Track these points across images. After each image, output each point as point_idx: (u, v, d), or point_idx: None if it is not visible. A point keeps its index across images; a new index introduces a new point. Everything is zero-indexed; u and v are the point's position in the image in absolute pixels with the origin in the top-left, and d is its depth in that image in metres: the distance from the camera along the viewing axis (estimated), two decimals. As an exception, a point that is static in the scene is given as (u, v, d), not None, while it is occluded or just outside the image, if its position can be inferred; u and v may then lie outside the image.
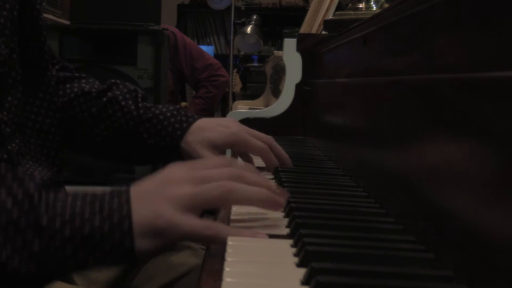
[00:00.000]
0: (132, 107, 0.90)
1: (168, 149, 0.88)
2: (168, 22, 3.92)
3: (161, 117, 0.89)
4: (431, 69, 0.58)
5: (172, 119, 0.89)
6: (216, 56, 4.31)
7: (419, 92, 0.61)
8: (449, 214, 0.48)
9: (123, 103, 0.90)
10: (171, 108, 0.91)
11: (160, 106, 0.92)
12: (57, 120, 0.84)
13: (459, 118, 0.48)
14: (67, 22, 3.00)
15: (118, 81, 0.94)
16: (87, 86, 0.93)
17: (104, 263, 0.52)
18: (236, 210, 0.65)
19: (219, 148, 0.88)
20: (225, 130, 0.88)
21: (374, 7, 1.33)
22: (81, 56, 2.54)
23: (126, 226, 0.51)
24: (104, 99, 0.91)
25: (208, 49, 4.12)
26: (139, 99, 0.92)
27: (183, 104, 3.17)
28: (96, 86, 0.94)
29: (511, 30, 0.40)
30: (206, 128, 0.88)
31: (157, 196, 0.54)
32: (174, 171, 0.57)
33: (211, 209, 0.60)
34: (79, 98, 0.91)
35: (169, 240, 0.53)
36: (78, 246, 0.51)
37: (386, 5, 1.11)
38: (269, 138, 0.91)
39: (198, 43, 4.84)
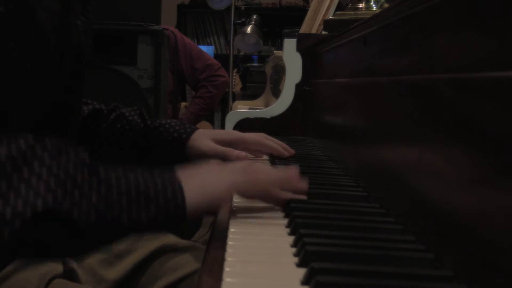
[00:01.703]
0: (139, 120, 0.99)
1: (174, 153, 0.97)
2: (168, 22, 3.92)
3: (167, 125, 0.98)
4: (431, 69, 0.58)
5: (177, 127, 0.98)
6: (216, 56, 4.31)
7: (419, 92, 0.61)
8: (449, 214, 0.48)
9: (130, 118, 0.99)
10: (174, 119, 1.02)
11: (164, 120, 1.02)
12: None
13: (459, 118, 0.48)
14: (67, 22, 3.00)
15: (120, 105, 1.03)
16: (97, 106, 1.01)
17: (156, 219, 0.55)
18: (237, 213, 0.65)
19: (220, 143, 0.96)
20: (223, 131, 1.02)
21: (374, 7, 1.33)
22: (81, 56, 2.54)
23: (177, 185, 0.57)
24: (112, 116, 0.99)
25: (208, 49, 4.11)
26: (145, 115, 1.01)
27: (183, 104, 3.16)
28: (103, 106, 1.03)
29: (511, 30, 0.41)
30: (207, 130, 1.00)
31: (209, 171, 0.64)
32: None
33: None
34: (92, 116, 0.99)
35: (212, 198, 0.60)
36: (133, 200, 0.54)
37: (386, 5, 1.11)
38: (261, 134, 1.03)
39: (198, 43, 4.84)
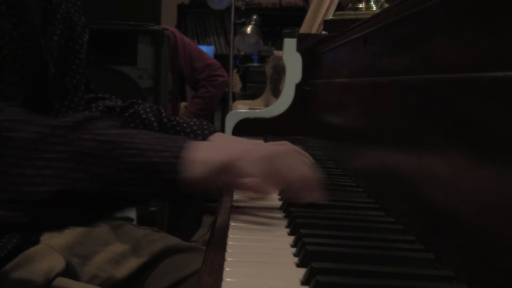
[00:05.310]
0: (153, 119, 0.98)
1: None
2: (168, 22, 3.92)
3: (184, 125, 0.97)
4: (431, 69, 0.58)
5: (195, 127, 0.96)
6: (216, 56, 4.30)
7: (419, 92, 0.61)
8: (449, 214, 0.48)
9: (144, 116, 0.98)
10: (194, 119, 0.99)
11: (184, 118, 1.00)
12: None
13: (459, 118, 0.48)
14: (67, 22, 2.99)
15: (140, 101, 1.03)
16: (111, 103, 1.02)
17: (160, 194, 0.61)
18: (237, 214, 0.65)
19: None
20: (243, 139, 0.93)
21: (374, 7, 1.33)
22: (81, 56, 2.54)
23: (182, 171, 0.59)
24: (127, 114, 0.99)
25: (208, 49, 4.11)
26: (162, 113, 1.00)
27: (183, 104, 3.16)
28: (119, 103, 1.03)
29: (511, 30, 0.41)
30: (227, 136, 0.97)
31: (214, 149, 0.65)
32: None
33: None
34: (104, 114, 0.99)
35: (210, 182, 0.61)
36: (145, 173, 0.59)
37: (386, 5, 1.11)
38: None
39: (198, 43, 4.83)
